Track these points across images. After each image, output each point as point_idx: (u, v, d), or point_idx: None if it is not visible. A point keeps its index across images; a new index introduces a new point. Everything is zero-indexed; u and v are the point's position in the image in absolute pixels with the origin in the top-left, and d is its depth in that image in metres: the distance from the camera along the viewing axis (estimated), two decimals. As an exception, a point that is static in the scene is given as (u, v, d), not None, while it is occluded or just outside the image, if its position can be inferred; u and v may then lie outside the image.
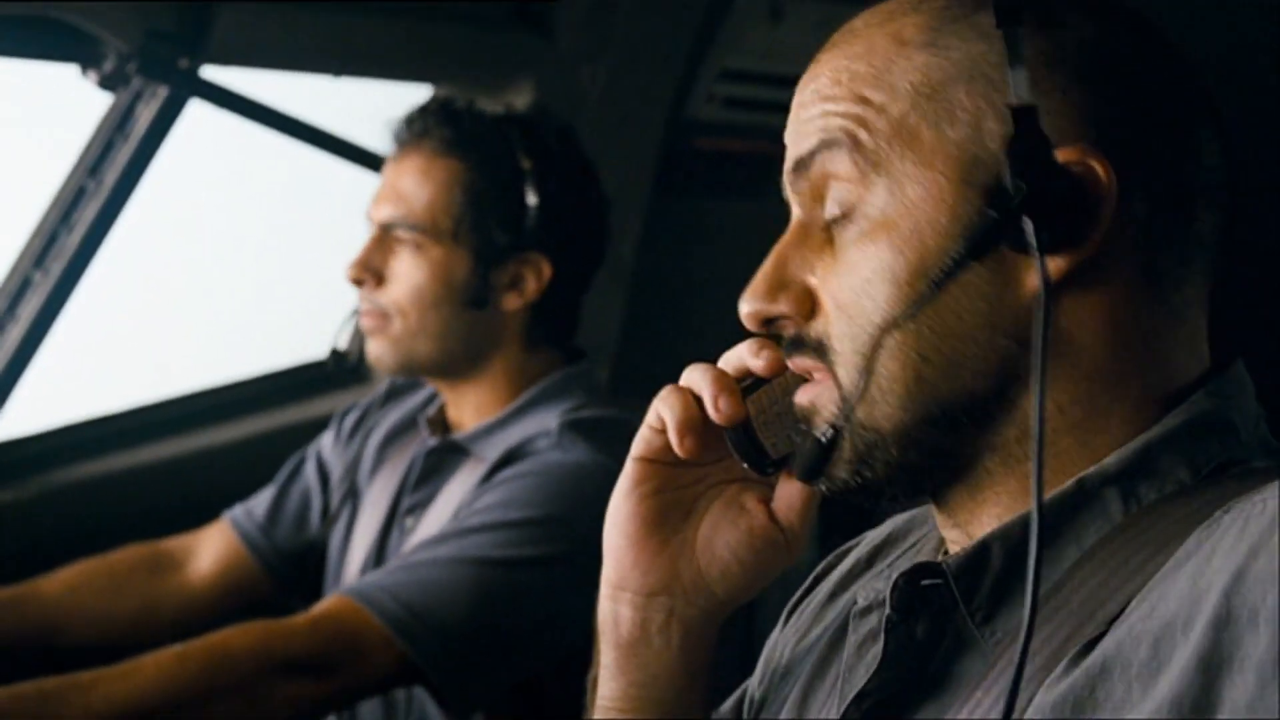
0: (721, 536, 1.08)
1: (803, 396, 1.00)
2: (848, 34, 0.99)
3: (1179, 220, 0.93)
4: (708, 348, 1.12)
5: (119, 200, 2.34)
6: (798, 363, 0.99)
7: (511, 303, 2.04)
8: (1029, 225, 0.88)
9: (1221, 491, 0.87)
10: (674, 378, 1.09)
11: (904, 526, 1.14)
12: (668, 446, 1.07)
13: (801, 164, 0.98)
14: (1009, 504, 0.95)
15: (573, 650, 1.88)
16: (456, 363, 2.05)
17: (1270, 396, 1.00)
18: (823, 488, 0.99)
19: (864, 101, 0.95)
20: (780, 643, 1.18)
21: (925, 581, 0.95)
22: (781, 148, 1.01)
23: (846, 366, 0.95)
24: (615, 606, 1.10)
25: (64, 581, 2.12)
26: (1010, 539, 0.92)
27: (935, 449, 0.95)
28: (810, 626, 1.15)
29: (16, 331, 2.36)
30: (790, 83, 1.01)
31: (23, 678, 1.68)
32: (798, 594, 1.20)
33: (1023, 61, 0.89)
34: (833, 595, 1.15)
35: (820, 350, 0.96)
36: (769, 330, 1.00)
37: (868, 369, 0.93)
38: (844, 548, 1.19)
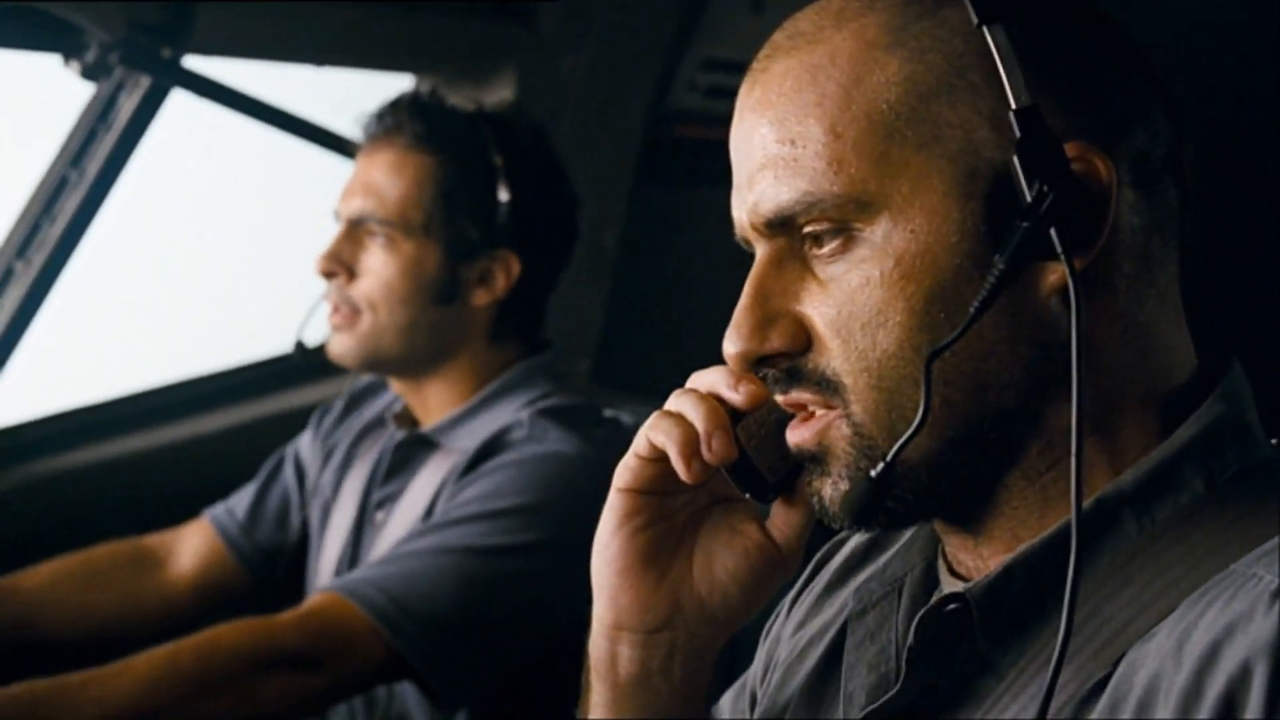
0: (719, 561, 1.04)
1: (800, 437, 0.95)
2: (799, 39, 0.94)
3: (1155, 200, 0.92)
4: (690, 336, 1.09)
5: (101, 191, 2.34)
6: (796, 397, 0.94)
7: (480, 298, 2.04)
8: (1054, 232, 0.86)
9: (1236, 505, 0.88)
10: (657, 367, 1.05)
11: None
12: (659, 475, 1.02)
13: (775, 224, 0.93)
14: (1024, 518, 0.93)
15: (557, 645, 1.89)
16: (421, 358, 2.04)
17: (1270, 395, 0.99)
18: (845, 524, 0.94)
19: (837, 137, 0.90)
20: (781, 634, 1.16)
21: (949, 607, 0.93)
22: None
23: (864, 401, 0.91)
24: (613, 646, 1.04)
25: (43, 576, 2.11)
26: (1032, 564, 0.91)
27: (965, 473, 0.92)
28: (808, 618, 1.14)
29: (-2, 322, 2.35)
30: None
31: (1, 672, 1.68)
32: (799, 583, 1.18)
33: (1014, 60, 0.87)
34: (830, 587, 1.14)
35: (827, 385, 0.92)
36: (758, 370, 0.96)
37: (890, 402, 0.90)
38: (841, 536, 1.17)
